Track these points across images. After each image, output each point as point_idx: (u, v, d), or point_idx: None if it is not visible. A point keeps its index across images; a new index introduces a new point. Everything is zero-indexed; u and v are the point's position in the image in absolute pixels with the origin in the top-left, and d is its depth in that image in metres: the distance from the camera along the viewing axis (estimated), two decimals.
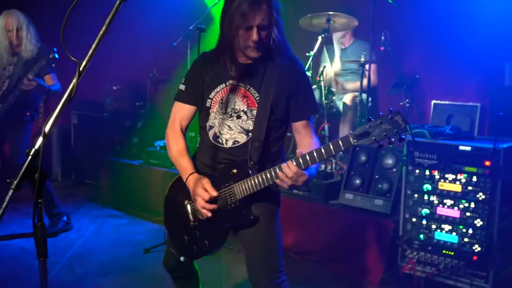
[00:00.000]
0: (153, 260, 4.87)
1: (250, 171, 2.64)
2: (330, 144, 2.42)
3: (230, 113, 2.77)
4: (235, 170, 2.69)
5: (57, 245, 5.21)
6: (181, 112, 2.90)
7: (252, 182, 2.61)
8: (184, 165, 2.81)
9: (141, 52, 8.03)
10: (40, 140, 1.80)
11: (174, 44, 6.23)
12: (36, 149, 1.80)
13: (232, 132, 2.76)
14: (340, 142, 2.39)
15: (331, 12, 5.69)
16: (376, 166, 4.81)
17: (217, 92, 2.79)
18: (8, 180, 1.78)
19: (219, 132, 2.79)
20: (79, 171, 8.15)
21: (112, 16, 1.88)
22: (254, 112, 2.73)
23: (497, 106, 5.32)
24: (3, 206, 1.76)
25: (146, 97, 8.00)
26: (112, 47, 4.93)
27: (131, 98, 8.44)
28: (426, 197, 4.21)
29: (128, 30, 6.84)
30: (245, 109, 2.75)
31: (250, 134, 2.74)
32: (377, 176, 4.77)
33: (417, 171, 4.23)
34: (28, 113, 5.44)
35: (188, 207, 2.83)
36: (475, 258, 3.96)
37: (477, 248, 3.96)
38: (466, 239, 4.01)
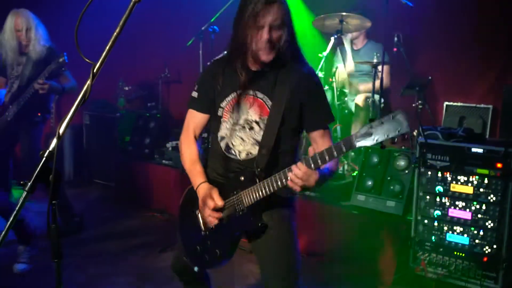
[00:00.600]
0: (165, 259, 4.88)
1: (256, 178, 2.61)
2: (333, 146, 2.37)
3: (242, 124, 2.72)
4: (242, 178, 2.66)
5: (70, 245, 5.23)
6: (195, 119, 2.89)
7: (258, 188, 2.58)
8: (196, 174, 2.79)
9: (154, 53, 8.06)
10: (54, 141, 1.79)
11: (188, 44, 6.25)
12: (50, 151, 1.80)
13: (245, 143, 2.72)
14: (342, 144, 2.33)
15: (344, 13, 5.68)
16: (388, 167, 4.80)
17: (229, 101, 2.74)
18: (22, 182, 1.78)
19: (232, 144, 2.75)
20: (91, 171, 8.17)
21: (126, 17, 1.85)
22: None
23: (510, 108, 5.29)
24: (17, 207, 1.76)
25: (158, 98, 8.03)
26: (124, 48, 4.93)
27: (143, 99, 8.49)
28: (438, 199, 4.19)
29: (141, 30, 6.84)
30: (258, 120, 2.69)
31: None
32: (389, 178, 4.75)
33: (429, 172, 4.22)
34: (39, 114, 5.33)
35: (199, 216, 2.80)
36: (485, 259, 3.94)
37: (487, 249, 3.95)
38: (477, 241, 4.00)
